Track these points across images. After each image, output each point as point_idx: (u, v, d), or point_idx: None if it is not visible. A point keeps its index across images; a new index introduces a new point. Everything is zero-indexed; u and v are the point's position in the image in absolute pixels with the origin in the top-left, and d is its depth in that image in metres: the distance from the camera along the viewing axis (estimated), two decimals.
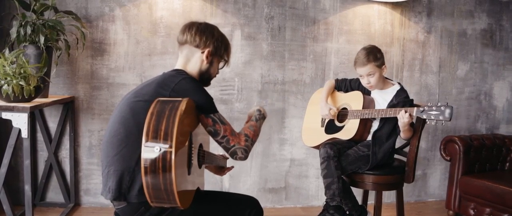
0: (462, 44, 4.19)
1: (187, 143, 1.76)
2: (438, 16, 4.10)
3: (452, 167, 3.63)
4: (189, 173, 1.81)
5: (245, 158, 1.98)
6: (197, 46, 2.06)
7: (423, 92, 4.13)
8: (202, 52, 2.06)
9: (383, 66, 2.83)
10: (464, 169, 3.56)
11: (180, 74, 1.98)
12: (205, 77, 2.12)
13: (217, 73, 2.19)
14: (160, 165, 1.60)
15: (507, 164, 3.77)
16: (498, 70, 4.32)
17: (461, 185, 3.54)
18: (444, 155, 3.68)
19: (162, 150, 1.60)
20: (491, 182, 3.32)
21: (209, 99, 1.94)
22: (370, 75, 2.81)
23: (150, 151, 1.61)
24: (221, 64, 2.17)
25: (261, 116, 2.21)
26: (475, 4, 4.18)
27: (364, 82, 2.87)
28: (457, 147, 3.57)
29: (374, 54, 2.78)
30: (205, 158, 2.13)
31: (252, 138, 2.02)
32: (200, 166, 2.06)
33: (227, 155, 2.05)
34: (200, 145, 2.05)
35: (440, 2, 4.09)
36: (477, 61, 4.25)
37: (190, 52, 2.08)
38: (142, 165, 1.62)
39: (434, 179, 4.28)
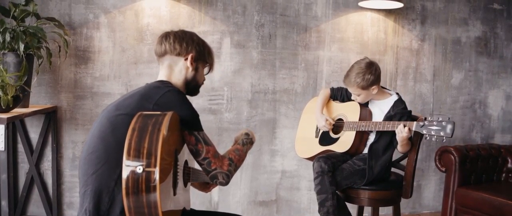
0: (457, 52, 4.12)
1: (172, 162, 1.63)
2: (432, 24, 4.02)
3: (447, 178, 3.54)
4: (174, 194, 1.68)
5: (226, 183, 1.85)
6: (179, 54, 1.94)
7: (417, 101, 4.05)
8: (186, 59, 1.94)
9: (372, 87, 2.72)
10: (460, 180, 3.47)
11: (165, 85, 1.84)
12: (192, 85, 2.00)
13: (204, 79, 2.07)
14: (143, 188, 1.46)
15: (503, 174, 3.68)
16: (493, 79, 4.25)
17: (457, 197, 3.45)
18: (439, 166, 3.59)
19: (145, 170, 1.46)
20: (489, 194, 3.23)
21: (195, 115, 1.81)
22: (356, 94, 2.77)
23: (132, 171, 1.47)
24: (206, 70, 2.05)
25: (249, 141, 2.08)
26: (469, 11, 4.11)
27: (353, 95, 2.83)
28: (452, 157, 3.47)
29: (362, 77, 2.67)
30: (190, 176, 2.00)
31: (236, 163, 1.90)
32: (185, 185, 1.92)
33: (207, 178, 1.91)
34: (185, 162, 1.91)
35: (434, 10, 4.02)
36: (471, 69, 4.18)
37: (172, 61, 1.95)
38: (123, 187, 1.48)
39: (428, 190, 4.19)
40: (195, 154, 1.80)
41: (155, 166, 1.47)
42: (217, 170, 1.81)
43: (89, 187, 1.68)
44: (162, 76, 1.96)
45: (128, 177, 1.48)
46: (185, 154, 1.87)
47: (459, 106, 4.18)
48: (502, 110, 4.31)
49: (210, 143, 1.83)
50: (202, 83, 2.06)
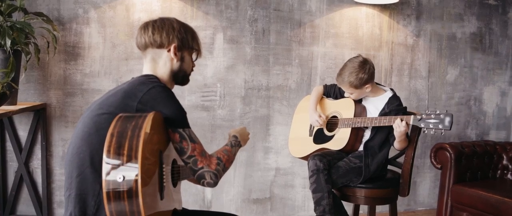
0: (452, 48, 4.08)
1: (156, 164, 1.55)
2: (427, 19, 3.98)
3: (443, 175, 3.51)
4: (161, 198, 1.60)
5: (214, 184, 1.72)
6: (161, 46, 1.82)
7: (412, 97, 4.01)
8: (168, 51, 1.82)
9: (366, 86, 2.67)
10: (456, 177, 3.44)
11: (150, 80, 1.73)
12: (180, 75, 1.89)
13: (193, 66, 1.95)
14: (125, 196, 1.39)
15: (499, 171, 3.67)
16: (488, 75, 4.22)
17: (452, 194, 3.42)
18: (435, 163, 3.56)
19: (126, 179, 1.39)
20: (485, 192, 3.21)
21: (180, 112, 1.70)
22: (349, 93, 2.74)
23: (113, 180, 1.40)
24: (194, 56, 1.92)
25: (237, 143, 1.96)
26: (464, 7, 4.08)
27: (346, 93, 2.80)
28: (448, 154, 3.45)
29: (355, 76, 2.61)
30: (180, 175, 1.92)
31: (225, 163, 1.77)
32: (175, 185, 1.84)
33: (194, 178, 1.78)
34: (174, 161, 1.83)
35: (429, 5, 3.97)
36: (466, 65, 4.14)
37: (155, 54, 1.84)
38: (105, 195, 1.41)
39: (423, 187, 4.15)
40: (180, 152, 1.70)
41: (136, 175, 1.40)
42: (204, 169, 1.69)
43: (73, 191, 1.61)
44: (146, 70, 1.86)
45: (109, 185, 1.41)
46: (172, 153, 1.79)
47: (454, 103, 4.15)
48: (497, 106, 4.29)
49: (197, 141, 1.72)
50: (192, 70, 1.96)
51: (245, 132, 2.09)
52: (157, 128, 1.57)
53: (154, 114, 1.55)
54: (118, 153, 1.43)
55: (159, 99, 1.66)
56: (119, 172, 1.40)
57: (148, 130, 1.47)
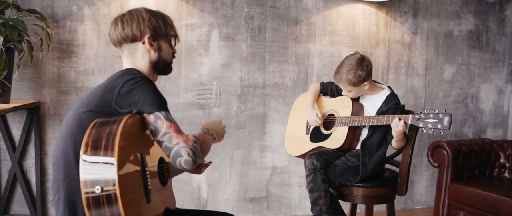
0: (449, 46, 4.06)
1: (139, 169, 1.52)
2: (424, 17, 3.96)
3: (440, 173, 3.50)
4: (149, 201, 1.56)
5: (193, 162, 1.53)
6: (134, 40, 1.75)
7: (409, 95, 3.99)
8: (143, 43, 1.75)
9: (364, 84, 2.64)
10: (453, 176, 3.43)
11: (128, 73, 1.67)
12: (161, 65, 1.81)
13: (174, 52, 1.88)
14: (105, 206, 1.36)
15: (496, 170, 3.66)
16: (485, 73, 4.20)
17: (450, 193, 3.41)
18: (432, 161, 3.54)
19: (105, 190, 1.35)
20: (482, 190, 3.19)
21: (158, 97, 1.61)
22: (347, 91, 2.70)
23: (91, 191, 1.37)
24: (172, 42, 1.85)
25: (210, 134, 1.84)
26: (462, 4, 4.06)
27: (344, 91, 2.76)
28: (445, 153, 3.43)
29: (353, 74, 2.58)
30: (170, 172, 1.87)
31: (202, 143, 1.63)
32: (165, 184, 1.80)
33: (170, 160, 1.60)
34: (161, 160, 1.78)
35: (426, 2, 3.95)
36: (464, 63, 4.13)
37: (131, 49, 1.77)
38: (84, 204, 1.38)
39: (420, 186, 4.14)
40: (155, 133, 1.57)
41: (113, 184, 1.36)
42: (180, 145, 1.53)
43: (62, 194, 1.58)
44: (126, 64, 1.80)
45: (88, 196, 1.39)
46: (157, 152, 1.75)
47: (451, 101, 4.13)
48: (494, 104, 4.27)
49: (173, 121, 1.60)
50: (173, 57, 1.89)
51: (218, 125, 1.97)
52: (134, 130, 1.54)
53: (128, 117, 1.51)
54: (95, 164, 1.41)
55: (136, 88, 1.59)
56: (97, 185, 1.37)
57: (122, 132, 1.44)
